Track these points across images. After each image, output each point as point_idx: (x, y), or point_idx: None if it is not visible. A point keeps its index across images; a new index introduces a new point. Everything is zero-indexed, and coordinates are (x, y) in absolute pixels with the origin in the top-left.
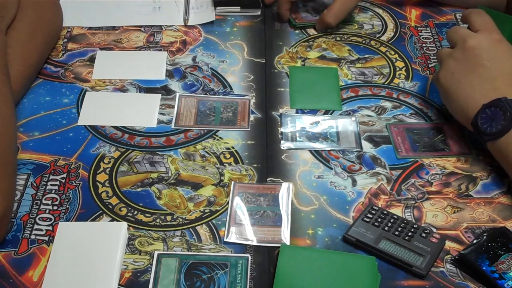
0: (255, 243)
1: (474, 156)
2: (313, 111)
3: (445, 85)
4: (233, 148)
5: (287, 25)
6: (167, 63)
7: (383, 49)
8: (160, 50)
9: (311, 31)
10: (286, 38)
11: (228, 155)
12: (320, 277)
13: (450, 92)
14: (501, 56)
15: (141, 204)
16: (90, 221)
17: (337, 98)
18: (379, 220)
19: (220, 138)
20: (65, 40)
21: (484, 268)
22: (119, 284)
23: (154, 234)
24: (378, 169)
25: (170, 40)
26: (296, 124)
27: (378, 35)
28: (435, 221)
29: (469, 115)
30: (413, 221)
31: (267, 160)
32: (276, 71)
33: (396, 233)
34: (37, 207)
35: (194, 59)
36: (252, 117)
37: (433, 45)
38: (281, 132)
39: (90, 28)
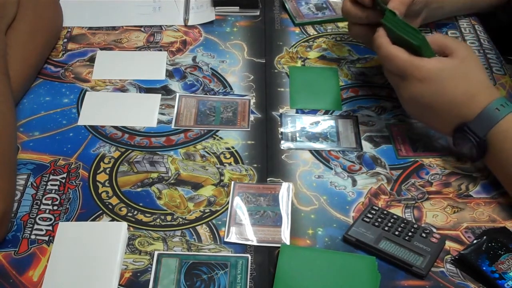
0: (255, 243)
1: None
2: (313, 111)
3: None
4: (233, 148)
5: (287, 25)
6: (167, 63)
7: None
8: (160, 50)
9: (312, 31)
10: (286, 38)
11: (228, 155)
12: (320, 277)
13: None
14: (439, 89)
15: (141, 204)
16: (90, 221)
17: (337, 98)
18: (379, 220)
19: (220, 138)
20: (65, 40)
21: (484, 268)
22: (119, 284)
23: (154, 234)
24: (378, 169)
25: (170, 40)
26: (296, 124)
27: None
28: (435, 221)
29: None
30: (413, 221)
31: (267, 160)
32: (276, 71)
33: (396, 233)
34: (37, 207)
35: (194, 59)
36: (252, 117)
37: None
38: (281, 132)
39: (90, 28)
